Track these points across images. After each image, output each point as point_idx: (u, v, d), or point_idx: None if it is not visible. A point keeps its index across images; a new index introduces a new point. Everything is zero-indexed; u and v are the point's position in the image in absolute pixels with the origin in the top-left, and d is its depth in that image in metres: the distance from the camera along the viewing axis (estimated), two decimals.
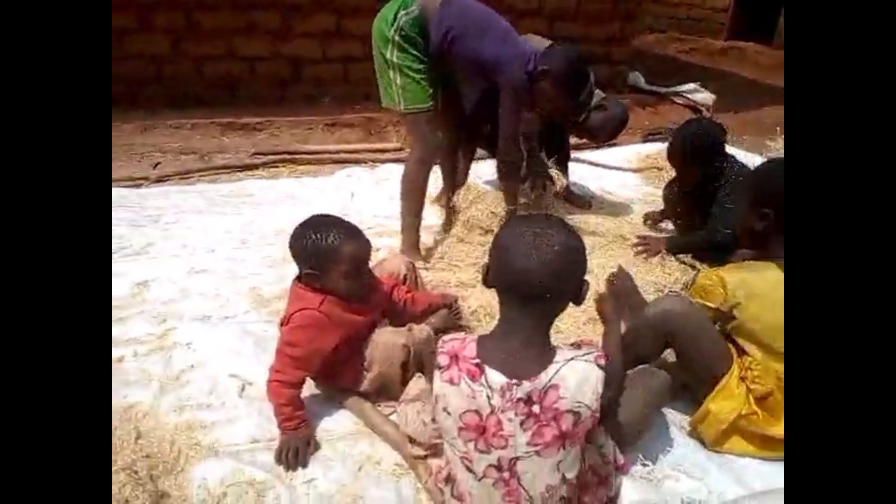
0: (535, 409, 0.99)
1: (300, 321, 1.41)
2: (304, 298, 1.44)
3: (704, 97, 5.14)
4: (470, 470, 1.07)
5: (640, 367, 1.44)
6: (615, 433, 1.21)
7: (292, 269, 2.17)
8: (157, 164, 3.38)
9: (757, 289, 1.34)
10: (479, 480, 1.07)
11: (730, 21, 8.61)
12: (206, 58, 4.23)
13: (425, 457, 1.31)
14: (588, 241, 2.52)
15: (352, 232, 1.47)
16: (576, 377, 1.00)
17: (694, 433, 1.47)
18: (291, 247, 1.46)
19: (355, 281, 1.47)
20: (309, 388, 1.54)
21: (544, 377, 0.99)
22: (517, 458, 1.03)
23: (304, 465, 1.35)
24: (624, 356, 1.33)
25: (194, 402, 1.51)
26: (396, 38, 2.00)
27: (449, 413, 1.06)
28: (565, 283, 1.02)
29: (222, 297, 1.99)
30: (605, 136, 2.66)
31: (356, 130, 4.26)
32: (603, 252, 2.45)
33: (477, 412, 1.03)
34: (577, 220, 2.75)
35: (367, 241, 1.50)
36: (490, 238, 2.43)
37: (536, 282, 0.98)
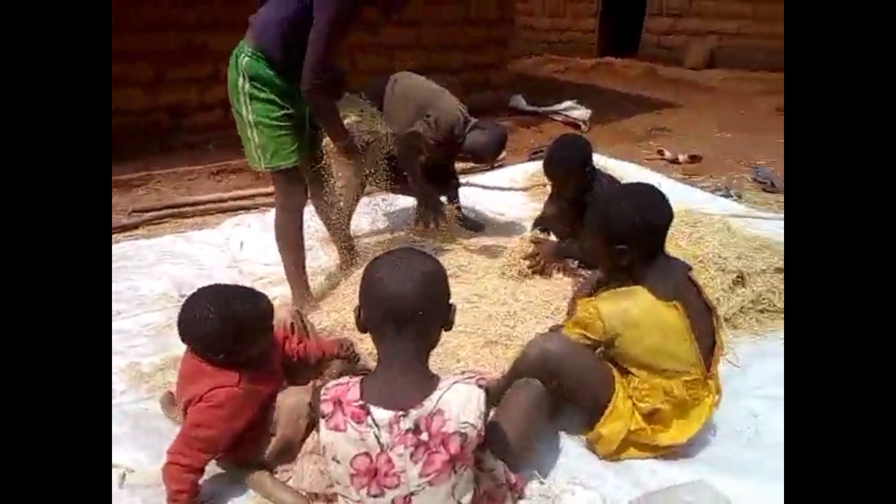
0: (424, 436, 1.00)
1: (217, 401, 1.31)
2: (215, 375, 1.34)
3: (581, 113, 5.50)
4: None
5: (515, 382, 1.47)
6: (502, 452, 1.24)
7: (174, 337, 2.04)
8: None
9: (632, 316, 1.40)
10: None
11: (598, 40, 9.35)
12: None
13: None
14: (484, 263, 2.59)
15: (247, 298, 1.38)
16: (458, 399, 1.02)
17: (589, 446, 1.53)
18: (193, 335, 1.33)
19: (263, 346, 1.41)
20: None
21: (429, 404, 1.01)
22: (412, 495, 1.03)
23: None
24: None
25: None
26: (246, 86, 1.90)
27: (339, 461, 1.04)
28: (434, 304, 1.06)
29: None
30: (489, 155, 2.75)
31: (244, 176, 4.12)
32: (497, 273, 2.52)
33: (367, 454, 1.02)
34: (472, 243, 2.82)
35: (265, 299, 1.43)
36: None
37: (409, 303, 1.02)
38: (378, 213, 3.12)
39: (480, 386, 1.05)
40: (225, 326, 1.30)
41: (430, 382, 1.05)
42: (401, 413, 1.01)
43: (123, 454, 1.50)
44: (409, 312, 1.03)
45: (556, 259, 2.43)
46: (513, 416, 1.36)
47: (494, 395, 1.51)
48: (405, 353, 1.05)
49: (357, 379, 1.07)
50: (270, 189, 3.77)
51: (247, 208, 3.48)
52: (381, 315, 1.05)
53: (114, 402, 1.72)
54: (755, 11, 7.68)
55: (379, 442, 1.01)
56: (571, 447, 1.53)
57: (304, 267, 2.24)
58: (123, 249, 2.86)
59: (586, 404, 1.48)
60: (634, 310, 1.40)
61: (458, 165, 3.58)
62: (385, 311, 1.04)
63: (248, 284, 1.87)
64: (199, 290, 1.37)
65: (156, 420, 1.63)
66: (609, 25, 9.27)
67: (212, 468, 1.42)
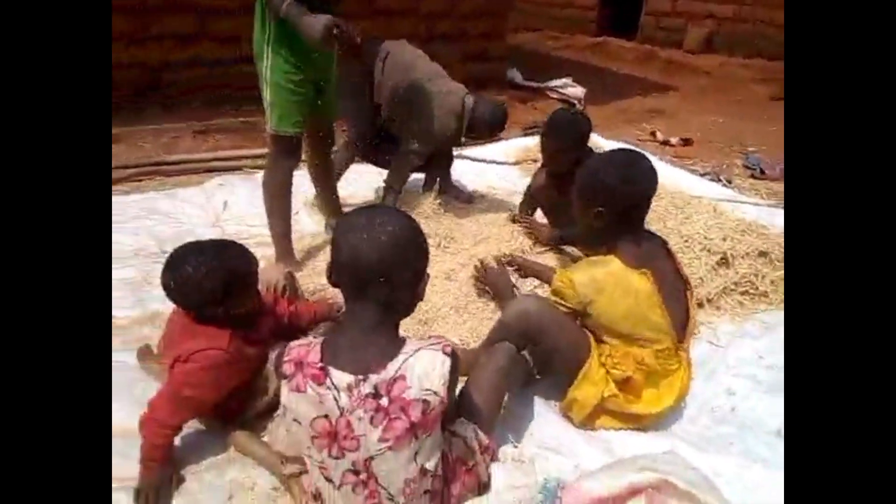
0: (384, 402, 0.98)
1: (205, 362, 1.28)
2: (207, 335, 1.31)
3: (576, 91, 5.44)
4: (329, 479, 1.04)
5: (488, 348, 1.47)
6: (472, 415, 1.23)
7: (152, 293, 2.03)
8: None
9: (605, 283, 1.42)
10: (339, 489, 1.04)
11: (597, 18, 9.21)
12: None
13: (300, 474, 1.26)
14: (472, 233, 2.57)
15: (238, 251, 1.36)
16: (422, 365, 1.00)
17: (563, 413, 1.54)
18: (182, 289, 1.29)
19: (252, 302, 1.39)
20: None
21: (391, 368, 0.99)
22: (371, 458, 1.01)
23: (169, 503, 1.25)
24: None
25: None
26: (270, 40, 1.85)
27: (300, 423, 1.03)
28: (399, 268, 1.00)
29: None
30: (486, 133, 2.69)
31: (232, 137, 4.03)
32: (485, 244, 2.51)
33: (326, 417, 1.00)
34: (461, 213, 2.79)
35: (253, 255, 1.40)
36: None
37: (370, 265, 0.98)
38: (367, 180, 3.09)
39: (446, 353, 1.02)
40: (214, 278, 1.27)
41: (393, 347, 1.01)
42: (361, 377, 0.98)
43: None
44: (371, 275, 0.98)
45: (553, 244, 2.41)
46: (484, 381, 1.35)
47: (469, 361, 1.51)
48: (368, 316, 1.01)
49: (319, 340, 1.04)
50: (256, 151, 3.73)
51: (232, 169, 3.41)
52: (345, 275, 1.02)
53: None
54: None
55: (338, 405, 0.99)
56: (545, 413, 1.54)
57: (289, 228, 2.21)
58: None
59: (562, 366, 1.48)
60: (605, 276, 1.42)
61: None
62: (348, 271, 1.01)
63: None
64: (185, 244, 1.34)
65: (130, 372, 1.60)
66: (609, 4, 9.13)
67: (191, 423, 1.41)
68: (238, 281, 1.32)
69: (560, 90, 5.49)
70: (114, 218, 2.62)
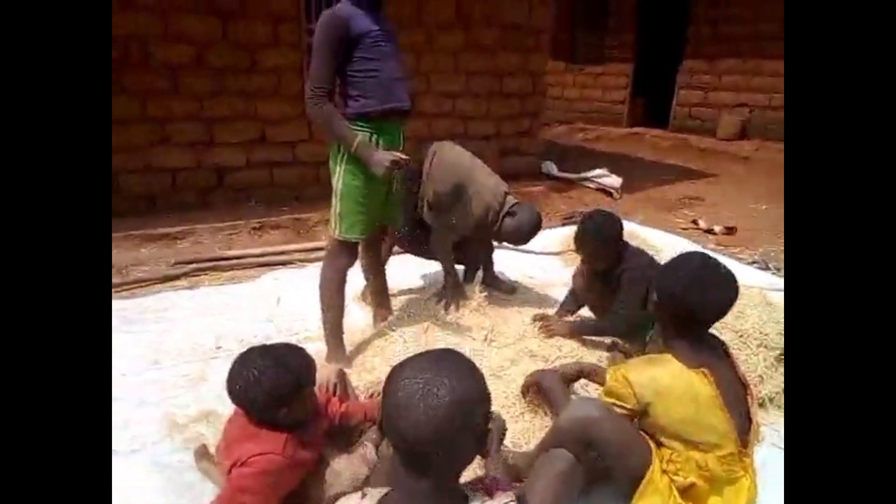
0: None
1: (262, 467, 1.30)
2: (263, 439, 1.34)
3: (612, 181, 5.57)
4: None
5: (543, 455, 1.42)
6: None
7: (210, 388, 2.09)
8: None
9: (663, 385, 1.38)
10: None
11: (628, 111, 9.58)
12: (122, 172, 4.19)
13: None
14: (515, 326, 2.58)
15: (303, 357, 1.41)
16: None
17: None
18: (239, 391, 1.34)
19: (311, 407, 1.43)
20: None
21: None
22: None
23: None
24: None
25: None
26: (341, 154, 2.04)
27: None
28: (459, 440, 0.88)
29: (132, 428, 1.84)
30: (522, 239, 2.76)
31: (284, 232, 4.26)
32: (530, 335, 2.50)
33: None
34: (505, 305, 2.82)
35: (313, 360, 1.44)
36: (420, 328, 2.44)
37: (426, 442, 0.85)
38: (410, 269, 3.18)
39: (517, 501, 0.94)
40: (281, 384, 1.32)
41: None
42: None
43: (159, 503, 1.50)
44: (426, 452, 0.87)
45: (570, 337, 2.40)
46: (542, 490, 1.31)
47: (524, 466, 1.46)
48: (425, 487, 0.90)
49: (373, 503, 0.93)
50: (308, 245, 3.92)
51: (284, 263, 3.58)
52: (397, 443, 0.89)
53: (147, 452, 1.74)
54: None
55: None
56: None
57: (341, 325, 2.29)
58: (166, 300, 2.95)
59: (623, 474, 1.42)
60: (664, 377, 1.39)
61: None
62: (401, 442, 0.88)
63: (283, 339, 1.89)
64: (252, 348, 1.39)
65: (188, 473, 1.63)
66: (639, 98, 9.51)
67: None
68: (302, 388, 1.36)
69: (597, 180, 5.63)
70: (172, 314, 2.76)
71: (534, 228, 2.69)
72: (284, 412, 1.34)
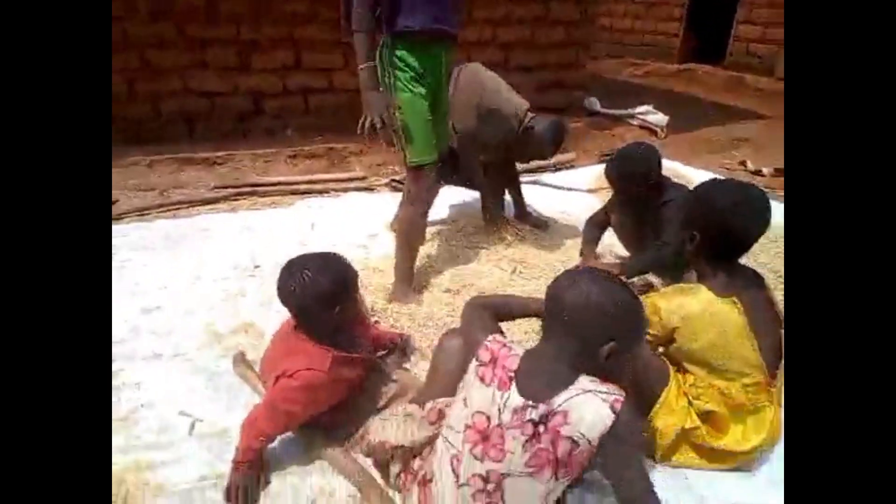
0: (541, 429, 1.02)
1: (306, 381, 1.36)
2: (309, 355, 1.39)
3: (658, 119, 5.32)
4: (454, 472, 1.08)
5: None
6: None
7: (249, 303, 2.18)
8: (114, 203, 3.33)
9: (692, 311, 1.37)
10: (459, 487, 1.07)
11: (681, 45, 8.99)
12: (161, 95, 4.23)
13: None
14: (545, 260, 2.57)
15: (344, 260, 1.46)
16: (586, 409, 1.00)
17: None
18: (293, 293, 1.37)
19: (357, 309, 1.49)
20: None
21: (557, 401, 1.02)
22: (507, 475, 1.04)
23: (255, 503, 1.33)
24: None
25: (142, 442, 1.48)
26: (388, 77, 1.93)
27: (466, 406, 1.11)
28: (588, 326, 1.04)
29: (174, 335, 1.96)
30: (545, 148, 2.66)
31: (319, 161, 4.28)
32: (561, 270, 2.50)
33: (488, 418, 1.06)
34: (535, 239, 2.80)
35: (352, 266, 1.49)
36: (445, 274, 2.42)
37: (563, 306, 1.05)
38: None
39: (614, 410, 1.00)
40: (329, 281, 1.36)
41: (565, 381, 1.04)
42: (531, 403, 1.03)
43: (196, 404, 1.61)
44: (560, 320, 1.06)
45: (625, 277, 2.36)
46: None
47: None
48: (553, 351, 1.07)
49: (518, 350, 1.12)
50: (342, 175, 3.94)
51: (319, 192, 3.62)
52: (549, 310, 1.10)
53: (189, 357, 1.85)
54: None
55: (500, 416, 1.05)
56: None
57: (414, 261, 2.25)
58: (206, 221, 3.06)
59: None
60: (693, 303, 1.38)
61: (526, 166, 3.59)
62: (552, 308, 1.09)
63: None
64: (299, 256, 1.44)
65: (227, 377, 1.74)
66: (693, 31, 8.89)
67: None
68: (347, 285, 1.42)
69: (641, 117, 5.39)
70: (213, 235, 2.86)
71: (556, 136, 2.60)
72: (333, 314, 1.39)
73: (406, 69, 1.94)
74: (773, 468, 1.46)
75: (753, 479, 1.44)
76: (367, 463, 1.41)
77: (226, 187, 3.58)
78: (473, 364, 1.13)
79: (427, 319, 2.05)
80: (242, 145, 4.23)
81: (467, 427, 1.08)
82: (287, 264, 1.41)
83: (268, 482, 1.38)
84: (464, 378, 1.15)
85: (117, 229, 2.91)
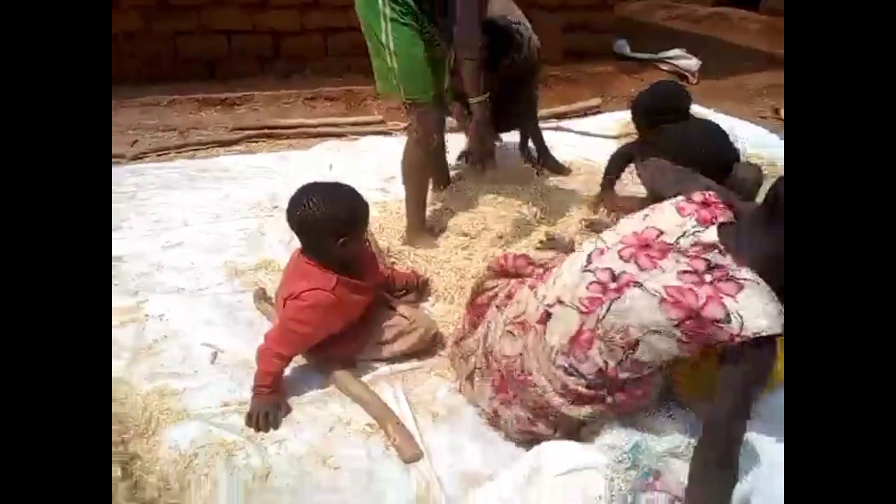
0: (708, 277, 0.97)
1: (312, 301, 1.39)
2: (315, 277, 1.42)
3: (689, 63, 5.09)
4: (588, 257, 1.14)
5: None
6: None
7: (268, 241, 2.20)
8: (133, 142, 3.34)
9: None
10: (584, 272, 1.12)
11: None
12: (180, 33, 4.16)
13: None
14: (565, 207, 2.52)
15: (355, 192, 1.47)
16: (770, 307, 0.93)
17: None
18: (299, 216, 1.40)
19: (362, 244, 1.50)
20: None
21: (748, 275, 0.96)
22: (638, 285, 1.04)
23: (276, 427, 1.37)
24: None
25: (166, 370, 1.53)
26: (386, 10, 1.79)
27: (646, 217, 1.13)
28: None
29: (196, 270, 1.99)
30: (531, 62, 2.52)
31: (337, 104, 4.21)
32: (580, 215, 2.45)
33: (661, 233, 1.07)
34: (556, 183, 2.75)
35: (365, 200, 1.49)
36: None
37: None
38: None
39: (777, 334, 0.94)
40: (336, 209, 1.38)
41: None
42: (722, 248, 1.01)
43: (218, 336, 1.65)
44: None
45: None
46: None
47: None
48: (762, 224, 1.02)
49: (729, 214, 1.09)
50: (361, 119, 3.88)
51: (337, 135, 3.57)
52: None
53: (210, 292, 1.88)
54: None
55: (678, 239, 1.05)
56: None
57: (424, 202, 2.20)
58: (225, 162, 3.06)
59: None
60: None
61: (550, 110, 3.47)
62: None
63: None
64: (309, 183, 1.46)
65: (247, 311, 1.77)
66: None
67: (299, 359, 1.53)
68: (355, 217, 1.42)
69: (671, 61, 5.16)
70: (233, 175, 2.86)
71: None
72: (339, 243, 1.40)
73: (398, 2, 1.81)
74: None
75: None
76: (381, 393, 1.45)
77: (244, 129, 3.55)
78: (676, 198, 1.12)
79: (444, 263, 2.03)
80: (261, 87, 4.16)
81: (634, 233, 1.09)
82: (299, 189, 1.44)
83: (288, 410, 1.42)
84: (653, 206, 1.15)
85: (137, 168, 2.93)
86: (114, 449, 1.25)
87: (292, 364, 1.52)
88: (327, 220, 1.38)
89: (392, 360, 1.58)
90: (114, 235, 2.17)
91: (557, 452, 1.18)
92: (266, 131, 3.56)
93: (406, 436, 1.32)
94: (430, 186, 2.36)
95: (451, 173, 2.71)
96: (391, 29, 1.83)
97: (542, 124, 3.09)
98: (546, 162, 2.93)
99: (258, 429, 1.35)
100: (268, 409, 1.38)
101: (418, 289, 1.83)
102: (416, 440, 1.33)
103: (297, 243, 1.49)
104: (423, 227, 2.20)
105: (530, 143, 2.99)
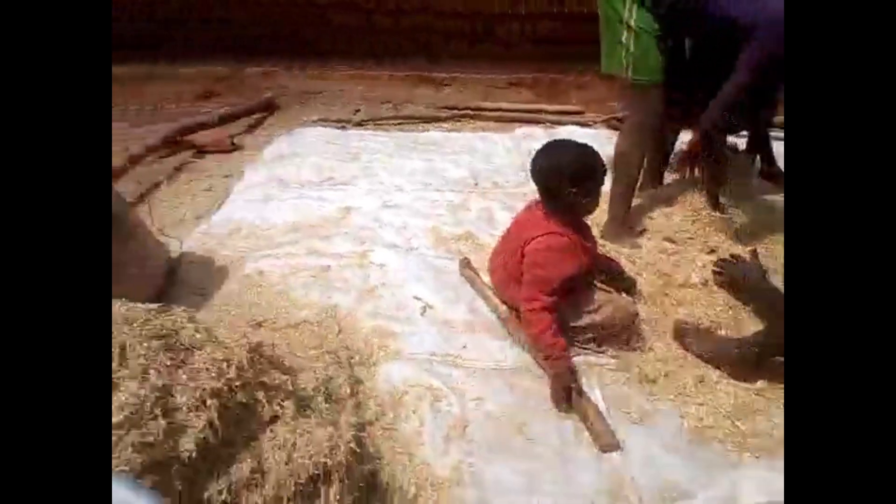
0: None
1: (547, 243, 1.51)
2: (546, 225, 1.53)
3: None
4: None
5: None
6: None
7: (470, 216, 2.33)
8: (357, 111, 3.74)
9: None
10: None
11: None
12: (404, 11, 4.51)
13: None
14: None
15: (595, 153, 1.55)
16: None
17: None
18: (545, 164, 1.53)
19: (597, 198, 1.58)
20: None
21: None
22: None
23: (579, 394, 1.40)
24: None
25: (385, 313, 1.72)
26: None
27: None
28: None
29: (409, 231, 2.19)
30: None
31: (538, 91, 4.26)
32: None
33: None
34: (778, 199, 2.46)
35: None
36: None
37: None
38: None
39: None
40: (574, 164, 1.50)
41: None
42: None
43: (427, 292, 1.81)
44: None
45: None
46: None
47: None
48: None
49: None
50: (560, 107, 3.87)
51: (535, 122, 3.62)
52: None
53: (420, 252, 2.06)
54: None
55: None
56: None
57: (631, 196, 2.10)
58: (433, 136, 3.29)
59: None
60: None
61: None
62: None
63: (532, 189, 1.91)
64: (553, 140, 1.65)
65: (452, 275, 1.92)
66: None
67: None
68: (591, 170, 1.52)
69: None
70: (440, 150, 3.06)
71: None
72: (575, 192, 1.49)
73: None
74: None
75: None
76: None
77: (450, 108, 3.77)
78: None
79: (649, 265, 1.93)
80: (469, 69, 4.37)
81: None
82: (545, 144, 1.59)
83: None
84: None
85: (359, 133, 3.29)
86: (343, 369, 1.44)
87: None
88: (569, 166, 1.50)
89: (592, 336, 1.58)
90: (346, 188, 2.49)
91: (755, 482, 1.17)
92: (470, 112, 3.74)
93: (605, 425, 1.33)
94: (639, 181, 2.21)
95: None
96: (634, 6, 1.82)
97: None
98: (771, 169, 2.62)
99: (566, 408, 1.39)
100: (571, 384, 1.39)
101: (624, 280, 1.78)
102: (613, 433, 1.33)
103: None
104: (625, 223, 2.12)
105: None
